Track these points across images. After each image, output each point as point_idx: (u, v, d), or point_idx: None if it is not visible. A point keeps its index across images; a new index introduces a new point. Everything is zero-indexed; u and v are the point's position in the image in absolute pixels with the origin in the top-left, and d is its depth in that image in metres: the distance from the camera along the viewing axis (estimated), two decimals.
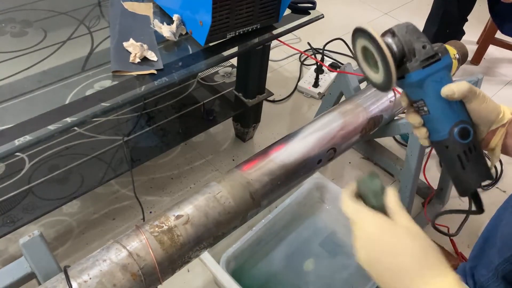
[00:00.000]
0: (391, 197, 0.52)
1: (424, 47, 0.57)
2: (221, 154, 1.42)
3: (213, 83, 1.38)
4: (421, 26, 1.88)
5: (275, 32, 1.02)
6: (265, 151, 0.75)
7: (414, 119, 0.61)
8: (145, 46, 0.88)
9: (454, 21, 1.78)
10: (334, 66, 1.80)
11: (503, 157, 1.29)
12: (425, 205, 1.21)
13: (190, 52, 0.93)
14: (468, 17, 1.79)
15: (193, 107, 1.29)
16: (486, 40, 1.93)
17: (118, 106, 0.80)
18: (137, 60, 0.87)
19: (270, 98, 1.59)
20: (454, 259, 1.15)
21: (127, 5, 1.02)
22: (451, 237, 1.20)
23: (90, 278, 0.54)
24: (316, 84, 1.69)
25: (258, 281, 1.04)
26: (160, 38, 0.95)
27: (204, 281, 1.09)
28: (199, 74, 1.39)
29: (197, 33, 0.94)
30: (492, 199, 1.36)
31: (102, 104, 0.79)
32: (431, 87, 0.57)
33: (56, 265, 0.59)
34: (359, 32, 0.58)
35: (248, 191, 0.68)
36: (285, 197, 0.98)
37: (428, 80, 0.57)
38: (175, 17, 0.95)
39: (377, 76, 0.59)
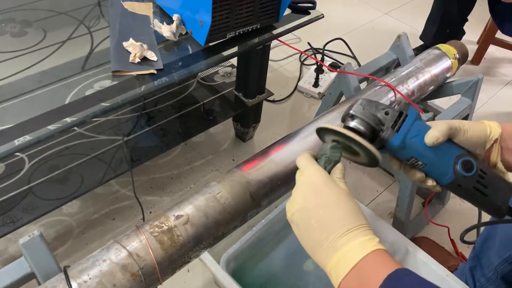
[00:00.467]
0: (338, 169, 0.56)
1: (386, 113, 0.58)
2: (221, 154, 1.42)
3: (213, 83, 1.38)
4: (421, 26, 1.88)
5: (275, 32, 1.02)
6: (265, 151, 0.75)
7: (415, 175, 0.61)
8: (145, 46, 0.88)
9: (454, 21, 1.78)
10: (334, 66, 1.80)
11: None
12: (425, 205, 1.21)
13: (190, 52, 0.93)
14: (468, 17, 1.79)
15: (193, 107, 1.29)
16: (486, 40, 1.93)
17: (118, 106, 0.80)
18: (137, 60, 0.87)
19: (270, 98, 1.59)
20: (454, 259, 1.15)
21: (127, 5, 1.01)
22: (452, 238, 1.20)
23: (90, 278, 0.54)
24: (316, 84, 1.69)
25: (258, 281, 1.04)
26: (160, 38, 0.94)
27: (204, 281, 1.09)
28: (199, 74, 1.39)
29: (197, 33, 0.94)
30: None
31: (102, 104, 0.79)
32: (414, 143, 0.58)
33: (56, 265, 0.59)
34: (323, 131, 0.60)
35: (248, 191, 0.68)
36: (285, 197, 0.98)
37: (407, 138, 0.58)
38: (175, 17, 0.95)
39: (361, 158, 0.60)
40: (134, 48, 0.87)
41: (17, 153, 1.09)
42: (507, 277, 0.86)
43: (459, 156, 0.58)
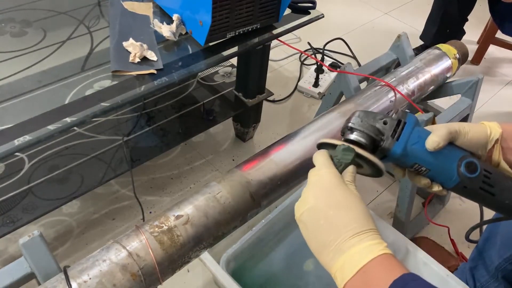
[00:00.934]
0: (349, 172, 0.56)
1: (385, 123, 0.58)
2: (221, 154, 1.42)
3: (213, 83, 1.38)
4: (421, 26, 1.88)
5: (275, 32, 1.02)
6: (265, 151, 0.75)
7: (420, 181, 0.61)
8: (145, 46, 0.88)
9: (455, 21, 1.78)
10: (334, 66, 1.80)
11: None
12: (425, 205, 1.21)
13: (190, 52, 0.93)
14: (469, 17, 1.79)
15: (193, 107, 1.29)
16: (486, 40, 1.93)
17: (118, 106, 0.80)
18: (137, 60, 0.87)
19: (270, 98, 1.59)
20: (454, 259, 1.15)
21: (127, 5, 1.01)
22: (452, 238, 1.20)
23: (90, 278, 0.54)
24: (316, 84, 1.69)
25: (258, 281, 1.04)
26: (160, 38, 0.94)
27: (204, 281, 1.09)
28: (199, 74, 1.39)
29: (197, 33, 0.93)
30: None
31: (102, 104, 0.79)
32: (415, 150, 0.58)
33: (56, 265, 0.59)
34: (323, 146, 0.60)
35: (248, 191, 0.68)
36: (285, 197, 0.98)
37: (408, 146, 0.58)
38: (175, 17, 0.95)
39: (365, 170, 0.60)
40: (134, 48, 0.87)
41: (17, 153, 1.09)
42: (507, 277, 0.86)
43: (462, 158, 0.58)
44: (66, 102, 0.79)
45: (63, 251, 1.12)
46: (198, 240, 0.62)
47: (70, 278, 0.53)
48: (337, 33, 2.00)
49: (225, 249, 0.99)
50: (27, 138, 0.72)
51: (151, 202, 1.25)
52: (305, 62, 1.86)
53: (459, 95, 1.14)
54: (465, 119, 1.16)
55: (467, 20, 1.80)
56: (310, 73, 1.75)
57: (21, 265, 0.59)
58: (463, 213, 1.31)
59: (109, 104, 0.79)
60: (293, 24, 1.05)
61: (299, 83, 1.72)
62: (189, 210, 0.63)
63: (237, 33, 0.96)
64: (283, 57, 1.87)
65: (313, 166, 0.57)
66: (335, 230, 0.50)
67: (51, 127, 0.74)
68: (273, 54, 1.74)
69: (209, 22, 0.87)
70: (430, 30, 1.83)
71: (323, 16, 1.11)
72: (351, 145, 0.57)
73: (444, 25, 1.78)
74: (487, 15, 1.77)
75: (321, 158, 0.56)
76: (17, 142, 0.71)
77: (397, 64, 1.15)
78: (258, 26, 0.98)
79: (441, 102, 1.25)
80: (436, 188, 0.61)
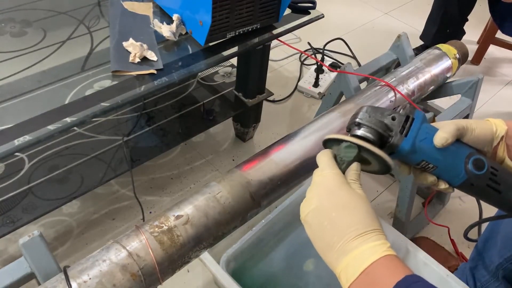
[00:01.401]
0: (353, 169, 0.56)
1: (393, 118, 0.58)
2: (221, 154, 1.42)
3: (213, 83, 1.38)
4: (421, 26, 1.88)
5: (275, 32, 1.02)
6: (265, 151, 0.75)
7: (427, 178, 0.61)
8: (145, 46, 0.88)
9: (455, 21, 1.78)
10: (334, 66, 1.80)
11: None
12: (425, 205, 1.21)
13: (190, 52, 0.93)
14: (469, 17, 1.79)
15: (193, 107, 1.29)
16: (486, 40, 1.93)
17: (118, 106, 0.80)
18: (137, 60, 0.87)
19: (270, 98, 1.59)
20: (454, 259, 1.15)
21: (127, 5, 1.01)
22: (452, 238, 1.20)
23: (90, 278, 0.54)
24: (316, 84, 1.69)
25: (258, 281, 1.04)
26: (160, 38, 0.94)
27: (204, 281, 1.09)
28: (199, 74, 1.39)
29: (197, 33, 0.93)
30: None
31: (102, 104, 0.79)
32: (424, 146, 0.57)
33: (56, 265, 0.59)
34: (330, 142, 0.59)
35: (248, 191, 0.68)
36: (285, 197, 0.98)
37: (417, 142, 0.57)
38: (175, 17, 0.95)
39: (373, 167, 0.59)
40: (134, 48, 0.87)
41: (17, 153, 1.09)
42: (508, 277, 0.86)
43: (469, 155, 0.58)
44: (66, 102, 0.79)
45: (63, 251, 1.12)
46: (198, 240, 0.62)
47: (70, 278, 0.53)
48: (337, 33, 2.00)
49: (225, 249, 0.99)
50: (27, 138, 0.72)
51: (151, 202, 1.25)
52: (305, 62, 1.86)
53: (459, 95, 1.14)
54: (465, 119, 1.16)
55: (467, 20, 1.80)
56: (310, 73, 1.75)
57: (21, 265, 0.59)
58: (463, 213, 1.31)
59: (109, 104, 0.79)
60: (293, 24, 1.05)
61: (299, 83, 1.72)
62: (189, 210, 0.63)
63: (237, 33, 0.96)
64: (283, 57, 1.87)
65: (314, 165, 0.57)
66: (338, 231, 0.50)
67: (51, 127, 0.74)
68: (273, 54, 1.74)
69: (209, 22, 0.87)
70: (430, 30, 1.83)
71: (323, 16, 1.11)
72: (357, 140, 0.56)
73: (444, 25, 1.78)
74: (487, 15, 1.77)
75: (324, 158, 0.56)
76: (17, 142, 0.71)
77: (397, 64, 1.15)
78: (258, 26, 0.98)
79: (441, 102, 1.25)
80: (443, 185, 0.60)
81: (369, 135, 0.57)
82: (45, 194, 1.02)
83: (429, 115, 0.96)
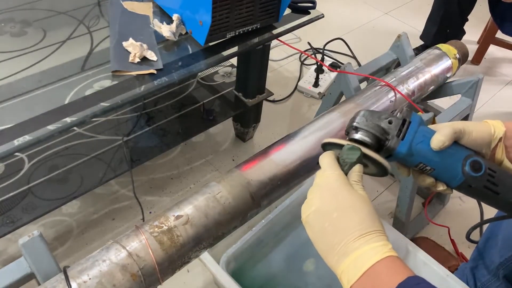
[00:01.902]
0: (355, 171, 0.56)
1: (390, 122, 0.58)
2: (221, 154, 1.42)
3: (213, 83, 1.38)
4: (421, 26, 1.88)
5: (275, 31, 1.02)
6: (265, 151, 0.75)
7: (425, 181, 0.61)
8: (144, 46, 0.88)
9: (455, 21, 1.78)
10: (334, 66, 1.80)
11: None
12: (425, 205, 1.21)
13: (190, 52, 0.93)
14: (469, 17, 1.79)
15: (193, 107, 1.29)
16: (486, 39, 1.93)
17: (118, 106, 0.80)
18: (137, 60, 0.87)
19: (270, 98, 1.59)
20: (454, 259, 1.15)
21: (127, 5, 1.01)
22: (452, 238, 1.20)
23: (90, 279, 0.54)
24: (316, 84, 1.69)
25: (258, 282, 1.03)
26: (159, 38, 0.94)
27: (204, 281, 1.09)
28: (199, 74, 1.39)
29: (197, 33, 0.93)
30: None
31: (102, 104, 0.79)
32: (421, 149, 0.58)
33: (55, 265, 0.59)
34: (328, 146, 0.60)
35: (248, 191, 0.68)
36: (285, 197, 0.98)
37: (413, 145, 0.58)
38: (175, 16, 0.95)
39: (370, 169, 0.60)
40: (134, 48, 0.87)
41: (17, 153, 1.09)
42: (509, 276, 0.86)
43: (466, 157, 0.58)
44: (66, 102, 0.79)
45: (63, 251, 1.12)
46: (198, 240, 0.62)
47: (70, 278, 0.53)
48: (337, 33, 2.00)
49: (225, 249, 0.99)
50: (27, 138, 0.71)
51: (151, 202, 1.25)
52: (305, 62, 1.86)
53: (459, 95, 1.14)
54: (465, 119, 1.16)
55: (467, 20, 1.80)
56: (310, 73, 1.75)
57: (21, 265, 0.59)
58: (463, 213, 1.31)
59: (109, 104, 0.79)
60: (293, 24, 1.05)
61: (299, 83, 1.72)
62: (189, 210, 0.63)
63: (237, 33, 0.96)
64: (283, 57, 1.87)
65: (314, 165, 0.57)
66: (340, 233, 0.50)
67: (51, 127, 0.74)
68: (273, 54, 1.74)
69: (209, 22, 0.87)
70: (430, 30, 1.83)
71: (323, 16, 1.11)
72: (354, 145, 0.57)
73: (444, 25, 1.78)
74: (487, 15, 1.77)
75: (326, 160, 0.56)
76: (17, 142, 0.71)
77: (397, 64, 1.15)
78: (258, 26, 0.98)
79: (441, 102, 1.25)
80: (441, 187, 0.60)
81: (366, 138, 0.58)
82: (45, 194, 1.02)
83: (429, 115, 0.96)
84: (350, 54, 1.91)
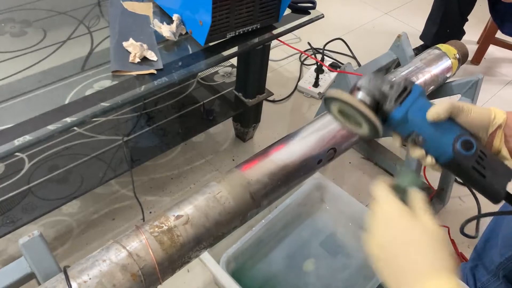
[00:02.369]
0: (418, 198, 0.52)
1: (391, 86, 0.59)
2: (221, 154, 1.42)
3: (213, 83, 1.38)
4: (421, 26, 1.88)
5: (275, 32, 1.02)
6: (265, 151, 0.75)
7: (416, 152, 0.61)
8: (145, 46, 0.88)
9: (455, 21, 1.78)
10: (334, 66, 1.80)
11: None
12: None
13: (190, 52, 0.93)
14: (469, 17, 1.79)
15: (193, 107, 1.29)
16: (486, 40, 1.93)
17: (118, 106, 0.80)
18: (137, 60, 0.87)
19: (270, 98, 1.59)
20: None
21: (127, 5, 1.01)
22: (452, 238, 1.20)
23: (90, 278, 0.54)
24: (316, 84, 1.69)
25: (258, 282, 1.04)
26: (160, 38, 0.94)
27: (204, 281, 1.09)
28: (199, 74, 1.39)
29: (197, 33, 0.93)
30: None
31: (102, 104, 0.79)
32: (416, 117, 0.58)
33: (55, 265, 0.59)
34: (329, 99, 0.60)
35: (248, 191, 0.68)
36: (285, 197, 0.98)
37: (410, 112, 0.58)
38: (175, 17, 0.95)
39: (363, 130, 0.60)
40: (134, 48, 0.87)
41: (17, 153, 1.09)
42: (509, 276, 0.86)
43: (460, 135, 0.58)
44: (66, 102, 0.79)
45: (63, 251, 1.12)
46: (198, 240, 0.62)
47: (70, 278, 0.53)
48: (337, 33, 2.00)
49: (225, 249, 0.99)
50: (27, 138, 0.72)
51: (151, 202, 1.25)
52: (305, 62, 1.86)
53: (459, 95, 1.14)
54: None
55: (467, 20, 1.80)
56: (310, 73, 1.75)
57: (21, 265, 0.59)
58: (463, 213, 1.31)
59: (109, 104, 0.79)
60: (293, 24, 1.05)
61: (299, 83, 1.72)
62: (189, 210, 0.63)
63: (237, 33, 0.96)
64: (283, 57, 1.87)
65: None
66: (404, 271, 0.47)
67: (51, 127, 0.74)
68: (273, 54, 1.74)
69: (209, 22, 0.87)
70: (430, 30, 1.83)
71: (323, 16, 1.11)
72: (352, 100, 0.57)
73: (444, 25, 1.78)
74: (487, 15, 1.77)
75: (380, 192, 0.54)
76: (17, 142, 0.71)
77: (397, 64, 1.16)
78: (258, 26, 0.98)
79: None
80: (429, 160, 0.60)
81: (366, 99, 0.59)
82: (45, 194, 1.02)
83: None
84: (350, 54, 1.91)
